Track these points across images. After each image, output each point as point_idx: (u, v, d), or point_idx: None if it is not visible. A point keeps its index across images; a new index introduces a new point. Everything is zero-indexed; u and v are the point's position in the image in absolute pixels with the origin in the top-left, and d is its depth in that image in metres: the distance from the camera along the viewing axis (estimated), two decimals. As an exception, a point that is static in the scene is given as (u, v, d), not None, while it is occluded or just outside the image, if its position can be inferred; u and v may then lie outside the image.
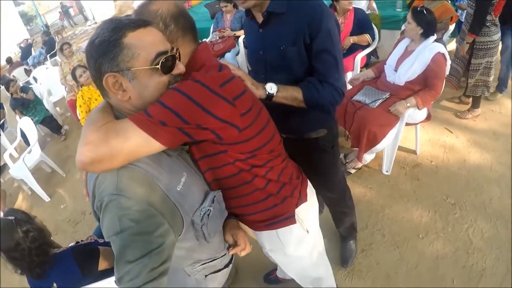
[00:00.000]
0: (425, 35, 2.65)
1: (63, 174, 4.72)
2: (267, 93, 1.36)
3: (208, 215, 1.09)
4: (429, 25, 2.64)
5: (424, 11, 2.68)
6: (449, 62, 2.62)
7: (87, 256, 1.90)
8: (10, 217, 1.78)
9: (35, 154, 4.51)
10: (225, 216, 1.23)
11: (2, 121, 5.72)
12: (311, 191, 1.44)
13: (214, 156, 1.10)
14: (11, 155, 4.78)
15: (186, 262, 1.20)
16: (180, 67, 0.99)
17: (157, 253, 0.89)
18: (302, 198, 1.35)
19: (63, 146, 5.58)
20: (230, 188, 1.20)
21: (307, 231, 1.40)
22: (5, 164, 5.34)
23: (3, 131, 5.62)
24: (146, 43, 0.90)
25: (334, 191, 2.04)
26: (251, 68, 1.68)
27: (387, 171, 2.98)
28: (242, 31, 4.93)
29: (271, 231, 1.36)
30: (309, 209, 1.41)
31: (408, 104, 2.62)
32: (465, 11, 3.37)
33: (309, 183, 1.46)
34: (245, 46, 1.71)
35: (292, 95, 1.41)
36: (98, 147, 0.86)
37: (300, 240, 1.41)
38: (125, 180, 0.89)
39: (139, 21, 0.92)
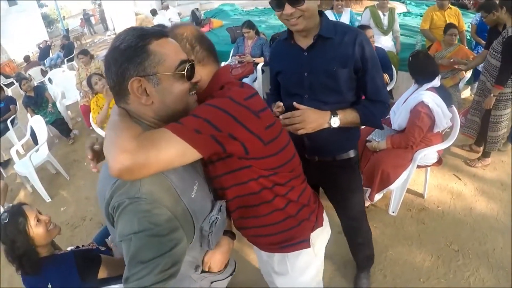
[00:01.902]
0: (418, 82, 2.70)
1: (67, 177, 4.73)
2: (331, 127, 1.53)
3: (216, 223, 1.12)
4: (416, 73, 2.68)
5: (410, 58, 2.72)
6: (435, 112, 2.55)
7: (88, 262, 1.86)
8: (4, 217, 1.75)
9: (42, 153, 4.53)
10: (225, 226, 1.26)
11: (12, 117, 5.78)
12: (325, 218, 1.47)
13: (239, 171, 1.13)
14: (17, 152, 4.80)
15: (191, 269, 1.21)
16: (197, 76, 1.07)
17: (169, 256, 0.92)
18: (318, 222, 1.38)
19: (70, 150, 5.61)
20: (250, 206, 1.23)
21: (316, 257, 1.42)
22: (10, 159, 5.37)
23: (12, 127, 5.68)
24: (170, 51, 0.97)
25: (356, 214, 2.05)
26: (285, 91, 1.73)
27: (393, 212, 2.97)
28: (261, 58, 5.01)
29: (283, 254, 1.37)
30: (323, 235, 1.44)
31: (376, 144, 2.75)
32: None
33: (324, 211, 1.48)
34: (275, 71, 1.77)
35: (351, 122, 1.58)
36: (136, 155, 0.88)
37: (308, 265, 1.43)
38: (148, 185, 0.92)
39: (161, 31, 0.99)
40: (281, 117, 1.49)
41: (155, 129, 0.99)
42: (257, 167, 1.12)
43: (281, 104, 1.64)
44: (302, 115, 1.47)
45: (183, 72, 0.98)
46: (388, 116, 3.04)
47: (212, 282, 1.31)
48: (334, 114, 1.52)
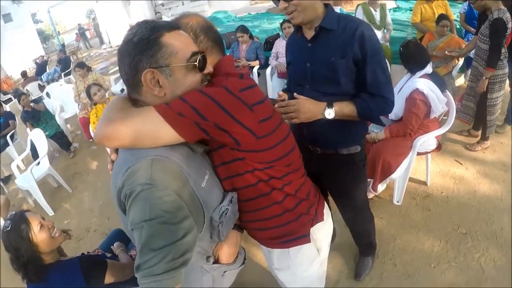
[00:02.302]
0: (410, 71, 2.73)
1: (69, 189, 4.69)
2: (325, 118, 1.51)
3: (226, 214, 1.11)
4: (408, 62, 2.71)
5: (401, 48, 2.75)
6: (431, 98, 2.57)
7: (94, 267, 1.84)
8: (6, 225, 1.75)
9: (43, 166, 4.52)
10: (236, 218, 1.24)
11: (12, 132, 5.76)
12: (327, 212, 1.44)
13: (232, 163, 1.12)
14: (18, 166, 4.80)
15: (202, 259, 1.20)
16: (209, 67, 1.08)
17: (180, 244, 0.92)
18: (318, 217, 1.35)
19: (71, 163, 5.58)
20: (247, 200, 1.21)
21: (318, 252, 1.39)
22: (10, 175, 5.37)
23: (12, 142, 5.67)
24: (182, 43, 0.99)
25: (357, 211, 2.06)
26: (292, 82, 1.78)
27: (398, 202, 2.96)
28: (256, 62, 5.04)
29: (283, 250, 1.35)
30: (324, 230, 1.41)
31: (374, 135, 2.78)
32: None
33: (325, 204, 1.45)
34: (287, 63, 1.82)
35: (348, 115, 1.54)
36: (118, 125, 0.94)
37: (311, 261, 1.40)
38: (159, 172, 0.92)
39: (173, 24, 1.01)
40: (276, 105, 1.49)
41: None
42: (250, 160, 1.11)
43: (282, 93, 1.66)
44: (297, 105, 1.48)
45: (195, 63, 0.99)
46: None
47: (224, 272, 1.29)
48: (329, 105, 1.51)
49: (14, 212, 1.84)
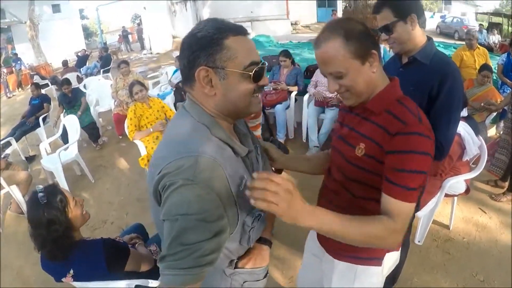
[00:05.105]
0: None
1: (92, 179, 4.76)
2: None
3: (259, 219, 1.12)
4: None
5: None
6: (466, 140, 2.59)
7: (117, 252, 1.81)
8: (42, 196, 1.66)
9: (71, 152, 4.62)
10: (265, 226, 1.22)
11: (45, 115, 5.96)
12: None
13: (369, 173, 1.16)
14: (45, 149, 4.90)
15: (225, 262, 1.18)
16: (265, 80, 1.05)
17: (211, 242, 0.91)
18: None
19: (98, 155, 5.65)
20: (347, 206, 1.23)
21: (381, 280, 1.38)
22: (36, 155, 5.48)
23: (44, 124, 5.85)
24: (244, 49, 0.97)
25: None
26: None
27: (419, 241, 2.93)
28: (295, 87, 5.08)
29: (352, 265, 1.33)
30: (393, 258, 1.40)
31: None
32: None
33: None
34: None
35: None
36: (401, 231, 1.05)
37: (374, 285, 1.37)
38: (202, 170, 0.91)
39: (241, 28, 1.00)
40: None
41: (215, 119, 1.03)
42: None
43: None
44: None
45: (251, 73, 0.98)
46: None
47: (244, 282, 1.25)
48: None
49: (46, 185, 1.76)
